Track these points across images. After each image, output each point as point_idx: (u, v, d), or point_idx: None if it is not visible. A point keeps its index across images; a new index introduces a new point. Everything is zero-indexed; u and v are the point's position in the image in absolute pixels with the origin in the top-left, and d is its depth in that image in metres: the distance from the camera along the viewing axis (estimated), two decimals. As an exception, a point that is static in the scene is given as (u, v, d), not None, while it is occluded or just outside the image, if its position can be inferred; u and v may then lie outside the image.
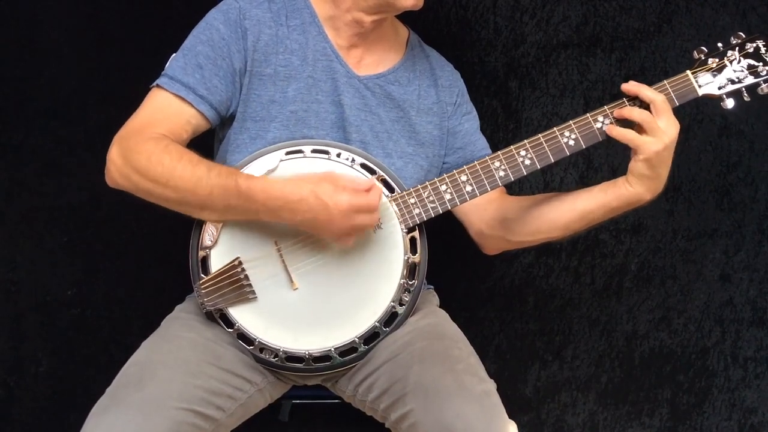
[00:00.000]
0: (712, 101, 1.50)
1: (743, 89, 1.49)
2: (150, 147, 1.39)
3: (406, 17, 1.62)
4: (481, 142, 1.69)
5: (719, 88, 1.49)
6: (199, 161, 1.40)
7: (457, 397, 1.32)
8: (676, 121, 1.43)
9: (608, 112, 1.48)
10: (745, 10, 2.10)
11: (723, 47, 1.51)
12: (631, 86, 1.45)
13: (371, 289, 1.46)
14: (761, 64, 1.49)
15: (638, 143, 1.42)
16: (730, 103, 1.50)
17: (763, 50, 1.49)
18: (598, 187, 1.51)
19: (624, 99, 1.47)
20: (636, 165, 1.43)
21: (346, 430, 2.12)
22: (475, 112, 1.72)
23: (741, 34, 1.51)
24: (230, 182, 1.38)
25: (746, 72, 1.50)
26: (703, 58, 1.50)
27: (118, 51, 2.07)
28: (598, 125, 1.48)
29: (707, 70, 1.50)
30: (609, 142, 1.52)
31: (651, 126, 1.41)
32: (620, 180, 1.47)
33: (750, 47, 1.50)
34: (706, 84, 1.49)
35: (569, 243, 2.16)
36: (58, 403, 2.10)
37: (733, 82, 1.50)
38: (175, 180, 1.38)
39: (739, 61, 1.50)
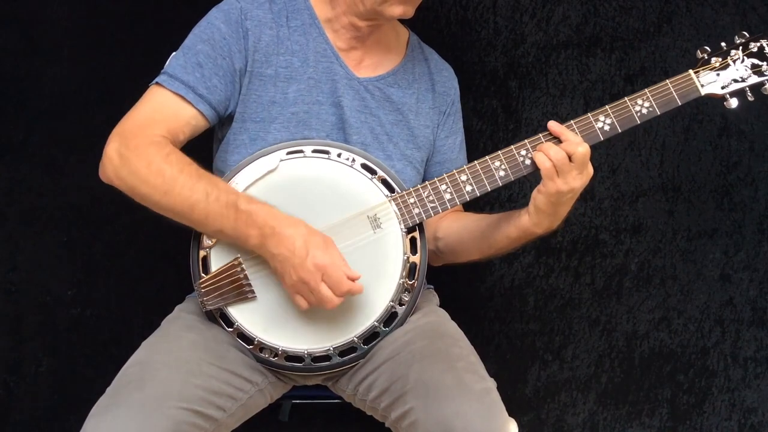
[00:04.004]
0: (713, 101, 1.50)
1: (747, 88, 1.49)
2: (151, 153, 1.39)
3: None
4: (461, 161, 1.69)
5: (722, 88, 1.49)
6: (199, 177, 1.39)
7: (457, 395, 1.31)
8: (591, 171, 1.44)
9: (609, 111, 1.48)
10: (745, 10, 2.10)
11: (726, 46, 1.50)
12: (554, 127, 1.45)
13: (370, 288, 1.45)
14: (765, 63, 1.49)
15: (549, 176, 1.42)
16: (733, 103, 1.49)
17: (767, 49, 1.49)
18: (504, 215, 1.54)
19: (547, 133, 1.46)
20: (538, 196, 1.45)
21: (346, 430, 2.12)
22: (461, 125, 1.72)
23: (745, 33, 1.50)
24: (230, 208, 1.38)
25: (750, 71, 1.49)
26: (706, 57, 1.50)
27: (118, 51, 2.06)
28: (599, 125, 1.48)
29: (710, 69, 1.49)
30: (609, 142, 1.52)
31: (563, 169, 1.41)
32: (522, 209, 1.49)
33: (754, 46, 1.49)
34: (709, 83, 1.49)
35: (569, 243, 2.16)
36: (58, 403, 2.10)
37: (736, 81, 1.49)
38: (173, 195, 1.38)
39: (743, 61, 1.49)
